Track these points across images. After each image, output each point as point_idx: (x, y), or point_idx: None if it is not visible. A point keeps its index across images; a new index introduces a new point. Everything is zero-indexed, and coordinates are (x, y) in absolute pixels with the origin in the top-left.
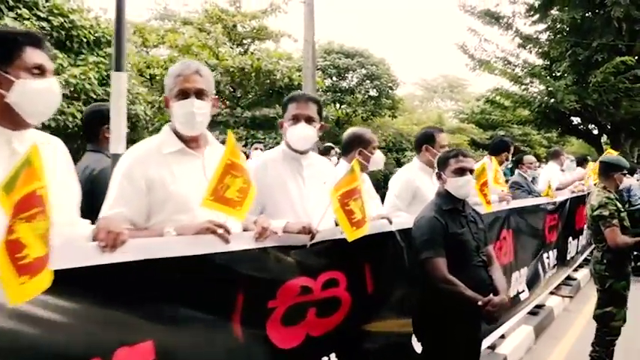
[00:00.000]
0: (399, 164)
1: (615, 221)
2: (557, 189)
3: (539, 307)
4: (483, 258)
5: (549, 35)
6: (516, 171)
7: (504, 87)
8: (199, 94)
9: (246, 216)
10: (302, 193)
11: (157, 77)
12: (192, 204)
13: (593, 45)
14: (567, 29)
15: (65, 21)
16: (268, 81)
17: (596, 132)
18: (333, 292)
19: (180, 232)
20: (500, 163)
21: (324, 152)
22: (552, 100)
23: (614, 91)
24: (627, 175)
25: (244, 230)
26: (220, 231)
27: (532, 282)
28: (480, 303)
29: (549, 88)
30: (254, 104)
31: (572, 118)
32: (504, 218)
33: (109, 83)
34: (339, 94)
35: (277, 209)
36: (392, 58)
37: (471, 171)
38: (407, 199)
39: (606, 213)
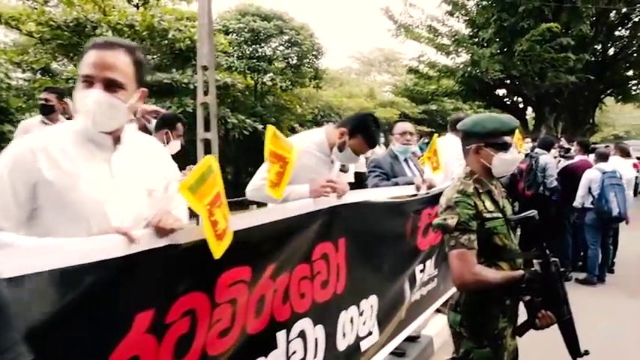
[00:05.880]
0: None
1: (467, 238)
2: None
3: (413, 338)
4: None
5: (477, 1)
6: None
7: (429, 56)
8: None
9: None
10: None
11: (34, 33)
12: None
13: (520, 10)
14: None
15: None
16: (166, 42)
17: (522, 105)
18: None
19: None
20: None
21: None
22: (477, 70)
23: (540, 61)
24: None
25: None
26: None
27: (388, 315)
28: None
29: (474, 57)
30: (152, 68)
31: (498, 90)
32: (325, 221)
33: None
34: (255, 61)
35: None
36: (326, 29)
37: None
38: None
39: (452, 221)
